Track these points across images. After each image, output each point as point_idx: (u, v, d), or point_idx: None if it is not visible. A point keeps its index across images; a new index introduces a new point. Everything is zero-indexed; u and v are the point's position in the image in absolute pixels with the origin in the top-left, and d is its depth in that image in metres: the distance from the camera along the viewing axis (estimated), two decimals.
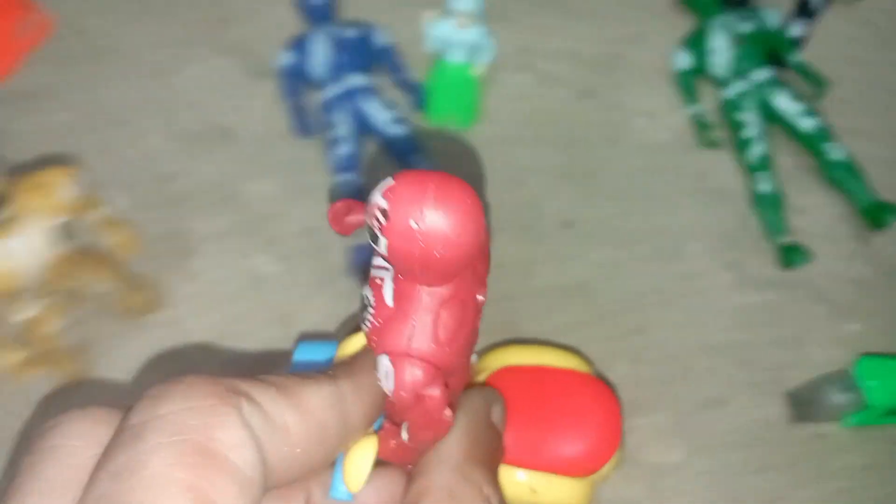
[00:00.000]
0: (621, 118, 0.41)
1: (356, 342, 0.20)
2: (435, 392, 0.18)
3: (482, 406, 0.23)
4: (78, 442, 0.17)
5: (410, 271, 0.17)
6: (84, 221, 0.29)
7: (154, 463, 0.15)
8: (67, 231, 0.28)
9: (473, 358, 0.28)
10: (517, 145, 0.40)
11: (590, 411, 0.28)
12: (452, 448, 0.20)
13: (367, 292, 0.19)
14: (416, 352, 0.18)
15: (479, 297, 0.20)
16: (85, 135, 0.39)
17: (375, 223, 0.17)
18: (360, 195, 0.37)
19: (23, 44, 0.41)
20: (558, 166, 0.40)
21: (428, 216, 0.16)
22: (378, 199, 0.16)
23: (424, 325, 0.18)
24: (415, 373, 0.18)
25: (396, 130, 0.38)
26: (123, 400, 0.17)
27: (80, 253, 0.28)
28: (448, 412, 0.19)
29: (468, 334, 0.19)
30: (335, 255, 0.36)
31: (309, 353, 0.21)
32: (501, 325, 0.35)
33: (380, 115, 0.38)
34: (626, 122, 0.41)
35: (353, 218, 0.19)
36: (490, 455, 0.21)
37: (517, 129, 0.41)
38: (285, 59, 0.39)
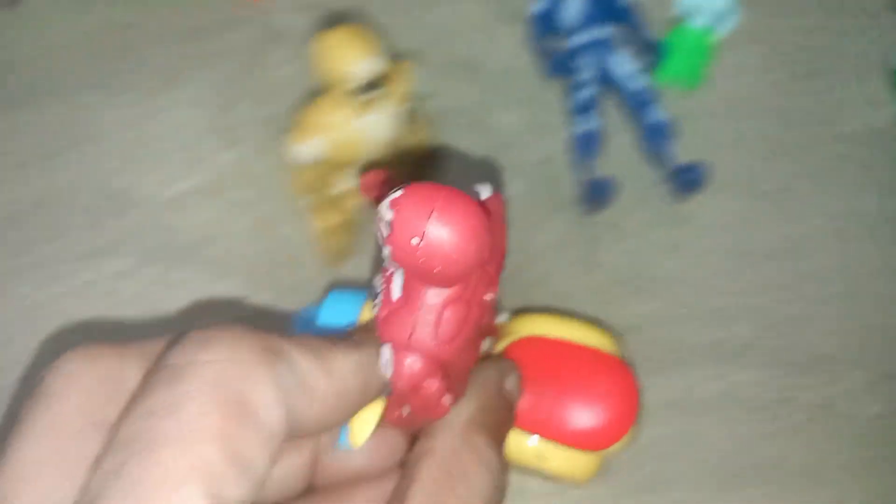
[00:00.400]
0: (833, 104, 0.44)
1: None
2: (432, 384, 0.19)
3: (495, 375, 0.24)
4: (76, 383, 0.17)
5: (414, 276, 0.18)
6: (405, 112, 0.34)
7: (191, 407, 0.15)
8: (402, 119, 0.32)
9: (505, 316, 0.29)
10: (734, 112, 0.43)
11: (608, 389, 0.28)
12: (459, 414, 0.21)
13: (378, 280, 0.20)
14: (416, 345, 0.19)
15: (488, 297, 0.20)
16: None
17: (381, 232, 0.17)
18: (596, 137, 0.41)
19: None
20: (771, 138, 0.43)
21: (429, 234, 0.16)
22: (385, 209, 0.17)
23: (427, 322, 0.19)
24: (413, 366, 0.19)
25: (637, 83, 0.41)
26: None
27: (398, 142, 0.33)
28: (447, 398, 0.19)
29: (471, 331, 0.20)
30: (568, 185, 0.40)
31: (338, 305, 0.22)
32: (693, 277, 0.39)
33: (623, 67, 0.41)
34: (837, 109, 0.44)
35: (384, 189, 0.19)
36: (497, 423, 0.22)
37: (737, 98, 0.44)
38: (538, 6, 0.43)
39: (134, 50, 0.42)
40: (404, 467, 0.21)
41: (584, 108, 0.41)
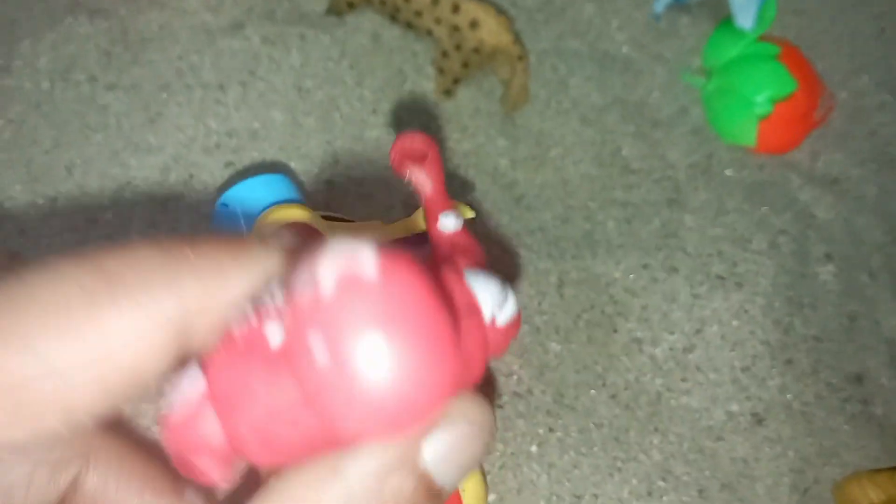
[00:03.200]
0: None
1: (292, 213, 0.16)
2: (202, 462, 0.14)
3: (375, 468, 0.15)
4: None
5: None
6: None
7: None
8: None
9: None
10: None
11: None
12: None
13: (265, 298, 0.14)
14: (228, 410, 0.14)
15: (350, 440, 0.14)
16: None
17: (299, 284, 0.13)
18: None
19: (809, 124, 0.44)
20: None
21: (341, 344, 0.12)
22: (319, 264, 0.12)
23: (266, 406, 0.13)
24: (198, 426, 0.14)
25: None
26: None
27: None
28: (218, 477, 0.14)
29: (299, 447, 0.14)
30: None
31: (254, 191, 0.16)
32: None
33: None
34: None
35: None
36: None
37: None
38: None
39: None
40: None
41: None
